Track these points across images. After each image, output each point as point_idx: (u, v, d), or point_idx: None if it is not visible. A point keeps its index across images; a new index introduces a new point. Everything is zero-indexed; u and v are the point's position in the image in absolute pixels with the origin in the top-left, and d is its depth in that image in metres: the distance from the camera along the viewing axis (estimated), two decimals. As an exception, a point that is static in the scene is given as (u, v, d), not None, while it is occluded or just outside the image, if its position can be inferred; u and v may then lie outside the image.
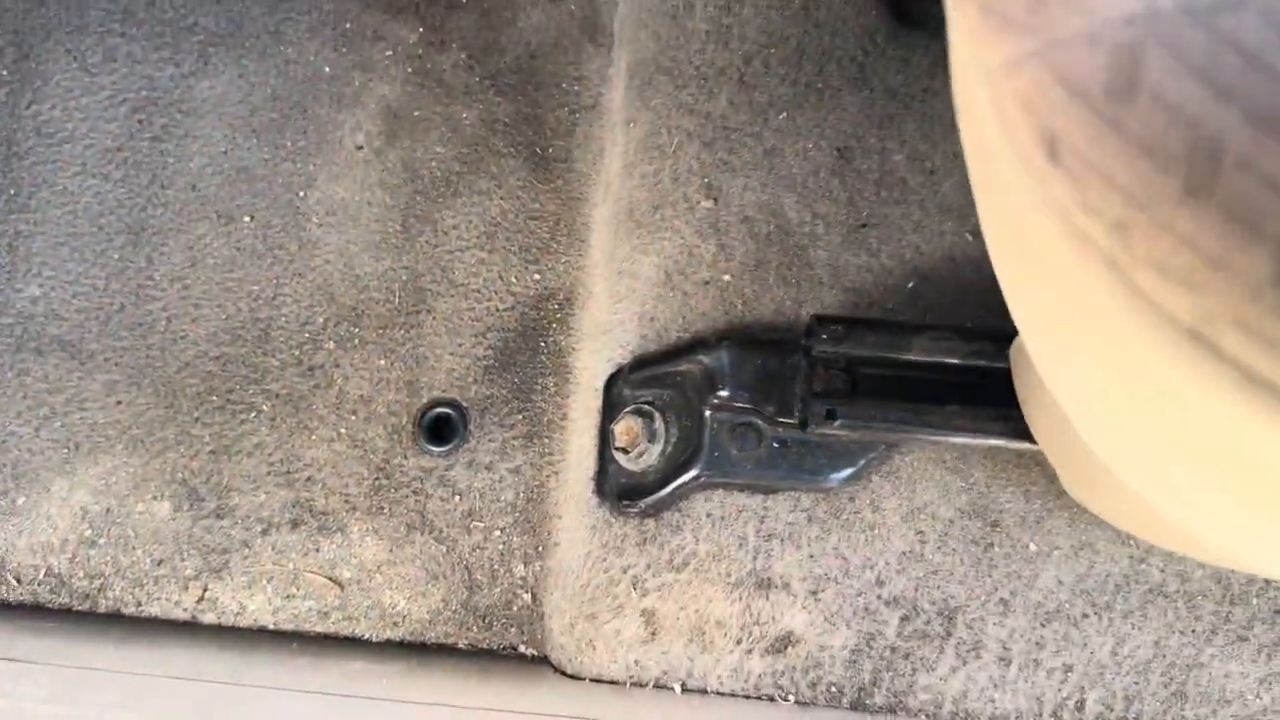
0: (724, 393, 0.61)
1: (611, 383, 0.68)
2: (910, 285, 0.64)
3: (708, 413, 0.63)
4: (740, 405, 0.62)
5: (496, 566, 0.76)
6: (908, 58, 0.67)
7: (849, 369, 0.58)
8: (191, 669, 0.72)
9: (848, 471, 0.61)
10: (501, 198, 0.81)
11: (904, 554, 0.64)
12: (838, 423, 0.56)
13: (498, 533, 0.77)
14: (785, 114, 0.65)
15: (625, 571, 0.65)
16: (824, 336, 0.57)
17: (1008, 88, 0.24)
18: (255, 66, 0.80)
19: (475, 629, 0.75)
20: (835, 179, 0.64)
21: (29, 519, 0.75)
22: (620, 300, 0.69)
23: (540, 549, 0.75)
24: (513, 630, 0.75)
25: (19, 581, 0.75)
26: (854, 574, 0.64)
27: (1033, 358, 0.41)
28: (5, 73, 0.81)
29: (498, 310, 0.79)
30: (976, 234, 0.66)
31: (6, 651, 0.67)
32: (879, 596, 0.64)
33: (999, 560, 0.65)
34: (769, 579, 0.63)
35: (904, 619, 0.63)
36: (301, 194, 0.80)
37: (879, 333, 0.57)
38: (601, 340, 0.70)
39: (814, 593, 0.64)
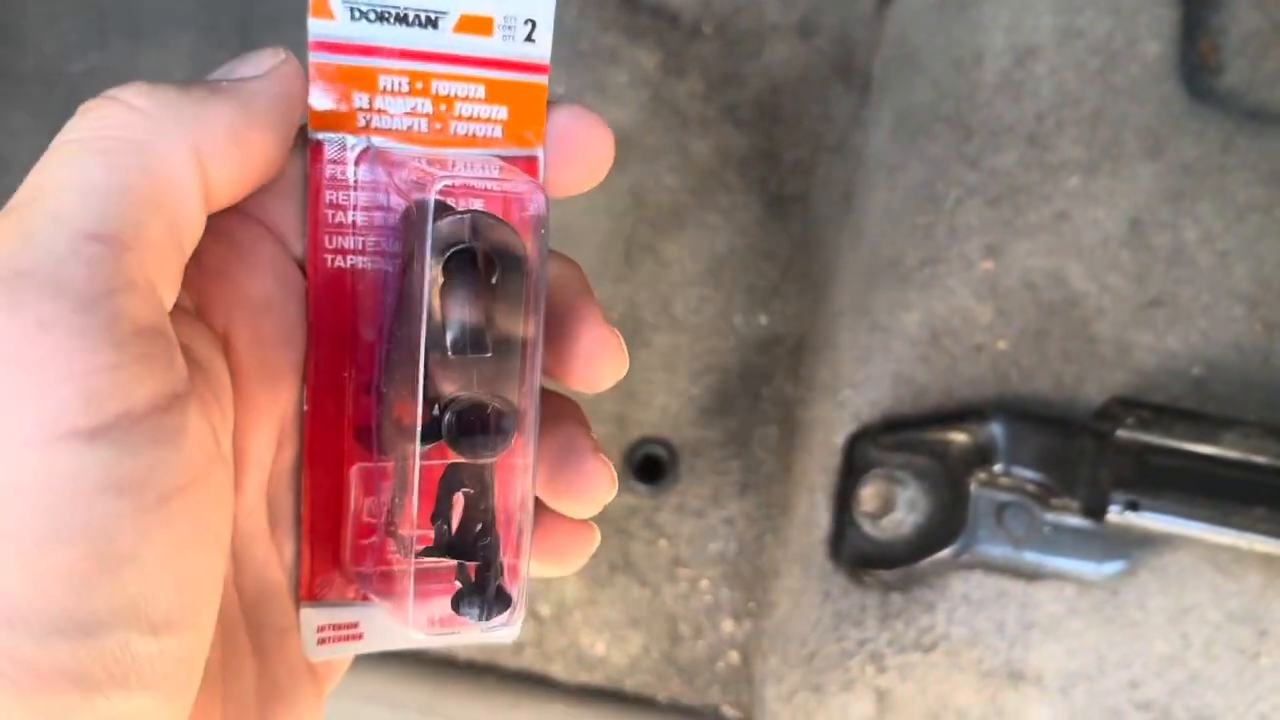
0: (996, 468, 0.61)
1: (856, 442, 0.68)
2: (1195, 372, 0.63)
3: (974, 487, 0.62)
4: (1013, 483, 0.61)
5: (702, 619, 0.76)
6: (1202, 131, 0.66)
7: (1140, 456, 0.57)
8: (385, 694, 0.72)
9: (1120, 565, 0.60)
10: (730, 234, 0.81)
11: (1165, 656, 0.63)
12: (1139, 514, 0.55)
13: (705, 583, 0.77)
14: (1077, 177, 0.64)
15: (863, 645, 0.65)
16: (1128, 421, 0.56)
17: None
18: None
19: (676, 683, 0.75)
20: (1125, 251, 0.63)
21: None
22: (872, 355, 0.68)
23: (753, 607, 0.75)
24: (716, 689, 0.74)
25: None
26: (1109, 673, 0.63)
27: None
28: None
29: (718, 350, 0.80)
30: (1267, 325, 0.64)
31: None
32: (1131, 699, 0.63)
33: (1265, 672, 0.63)
34: (1022, 671, 0.62)
35: (1156, 725, 0.62)
36: (526, 214, 0.81)
37: (1186, 423, 0.56)
38: (844, 395, 0.70)
39: (1064, 689, 0.63)
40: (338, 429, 0.31)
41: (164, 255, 0.26)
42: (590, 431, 0.32)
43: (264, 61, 0.29)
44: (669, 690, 0.75)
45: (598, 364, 0.31)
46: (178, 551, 0.24)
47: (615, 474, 0.32)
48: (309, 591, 0.31)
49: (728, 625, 0.75)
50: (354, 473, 0.31)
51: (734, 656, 0.75)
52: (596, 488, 0.31)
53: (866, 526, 0.66)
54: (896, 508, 0.64)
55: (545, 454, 0.31)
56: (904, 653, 0.63)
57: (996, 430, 0.61)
